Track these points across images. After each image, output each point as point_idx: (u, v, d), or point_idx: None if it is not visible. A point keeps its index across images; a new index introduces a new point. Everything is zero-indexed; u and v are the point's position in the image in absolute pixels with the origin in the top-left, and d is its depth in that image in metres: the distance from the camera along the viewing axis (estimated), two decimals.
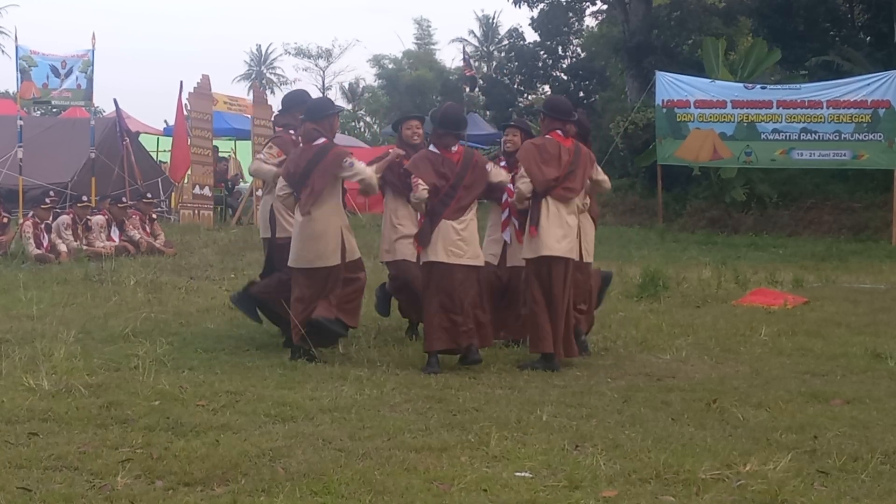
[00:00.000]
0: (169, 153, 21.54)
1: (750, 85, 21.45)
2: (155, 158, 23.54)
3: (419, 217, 7.38)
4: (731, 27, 27.84)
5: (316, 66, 66.23)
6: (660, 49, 26.31)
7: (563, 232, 7.34)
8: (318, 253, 7.23)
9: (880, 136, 20.01)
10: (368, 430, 5.37)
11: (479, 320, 7.29)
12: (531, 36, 37.33)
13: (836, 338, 8.82)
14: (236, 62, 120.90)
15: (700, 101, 21.32)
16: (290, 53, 67.33)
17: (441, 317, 7.15)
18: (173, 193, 20.91)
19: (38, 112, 29.80)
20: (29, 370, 6.45)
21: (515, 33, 40.16)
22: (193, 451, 4.82)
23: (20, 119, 17.61)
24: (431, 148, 7.44)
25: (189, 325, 8.63)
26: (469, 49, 50.52)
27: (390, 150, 8.21)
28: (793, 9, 25.94)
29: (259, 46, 75.39)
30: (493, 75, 38.96)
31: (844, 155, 20.46)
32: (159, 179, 20.81)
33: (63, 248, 13.32)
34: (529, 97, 37.72)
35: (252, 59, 75.24)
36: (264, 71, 74.09)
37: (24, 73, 18.02)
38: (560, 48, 37.38)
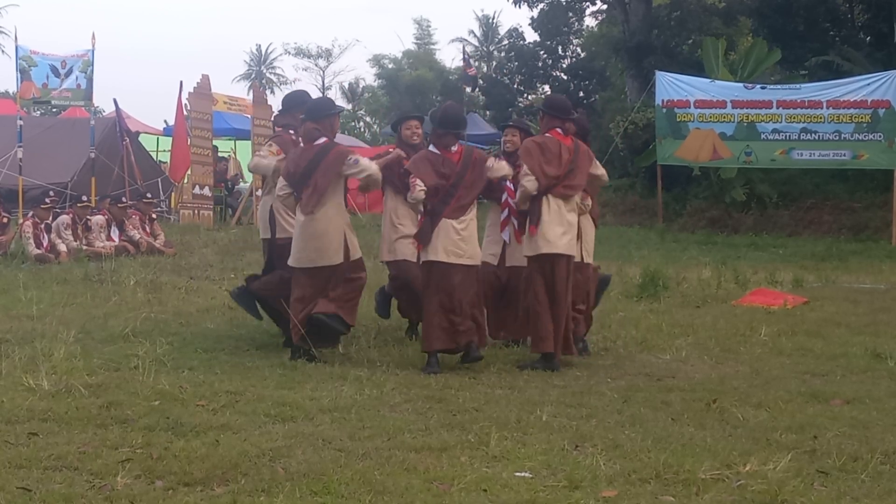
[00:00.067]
0: (169, 153, 21.54)
1: (750, 85, 21.46)
2: (155, 158, 23.55)
3: (419, 217, 7.38)
4: (731, 27, 27.85)
5: (316, 66, 66.31)
6: (660, 49, 26.32)
7: (563, 229, 7.36)
8: (321, 252, 7.24)
9: (880, 136, 20.02)
10: (368, 430, 5.36)
11: (476, 320, 7.30)
12: (531, 36, 37.42)
13: (836, 338, 8.82)
14: (236, 62, 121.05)
15: (700, 101, 21.33)
16: (290, 53, 67.43)
17: (440, 316, 7.15)
18: (173, 193, 20.91)
19: (38, 112, 29.80)
20: (29, 370, 6.45)
21: (515, 33, 40.22)
22: (193, 451, 4.82)
23: (20, 119, 17.61)
24: (431, 148, 7.44)
25: (189, 325, 8.63)
26: (469, 49, 50.54)
27: (390, 150, 8.22)
28: (793, 9, 25.95)
29: (259, 46, 75.53)
30: (493, 75, 38.99)
31: (844, 155, 20.47)
32: (159, 179, 20.82)
33: (63, 248, 13.32)
34: (529, 97, 37.75)
35: (252, 59, 75.32)
36: (264, 71, 74.10)
37: (24, 73, 18.03)
38: (560, 48, 37.43)
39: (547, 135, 7.48)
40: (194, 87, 19.41)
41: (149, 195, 16.80)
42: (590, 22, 37.11)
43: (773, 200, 22.38)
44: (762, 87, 21.30)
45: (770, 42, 23.85)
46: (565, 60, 37.78)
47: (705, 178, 23.17)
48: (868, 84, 20.20)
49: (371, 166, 7.31)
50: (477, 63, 49.27)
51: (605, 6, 32.89)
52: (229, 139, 26.46)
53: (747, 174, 22.17)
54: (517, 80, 37.43)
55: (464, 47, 45.16)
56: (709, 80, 21.96)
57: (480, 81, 36.67)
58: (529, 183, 7.32)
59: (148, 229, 14.83)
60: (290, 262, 7.37)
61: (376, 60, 54.49)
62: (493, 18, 56.99)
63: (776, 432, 5.50)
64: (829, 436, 5.44)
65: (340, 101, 54.38)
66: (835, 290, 12.37)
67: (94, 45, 18.20)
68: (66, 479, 4.45)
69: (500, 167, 7.56)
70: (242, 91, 61.85)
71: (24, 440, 5.02)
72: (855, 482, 4.66)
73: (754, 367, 7.52)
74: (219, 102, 21.68)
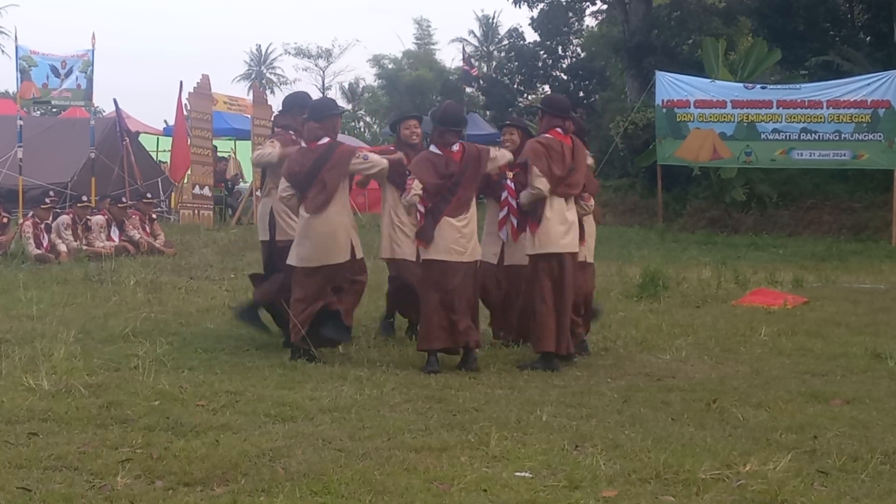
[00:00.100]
0: (169, 153, 21.54)
1: (750, 85, 21.46)
2: (155, 158, 23.55)
3: (418, 216, 7.35)
4: (731, 27, 27.85)
5: (316, 66, 66.30)
6: (660, 49, 26.32)
7: (565, 228, 7.40)
8: (328, 251, 7.26)
9: (880, 136, 20.02)
10: (368, 430, 5.36)
11: (474, 319, 7.31)
12: (531, 36, 37.39)
13: (836, 338, 8.82)
14: (236, 62, 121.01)
15: (700, 101, 21.34)
16: (290, 53, 67.41)
17: (440, 315, 7.15)
18: (173, 193, 20.92)
19: (38, 112, 29.80)
20: (29, 370, 6.45)
21: (515, 33, 40.17)
22: (193, 451, 4.82)
23: (20, 119, 17.62)
24: (433, 148, 7.42)
25: (189, 325, 8.63)
26: (469, 49, 50.53)
27: (391, 149, 8.23)
28: (793, 9, 25.95)
29: (259, 46, 75.52)
30: (493, 75, 38.96)
31: (844, 155, 20.47)
32: (159, 179, 20.82)
33: (63, 248, 13.32)
34: (529, 97, 37.72)
35: (252, 59, 75.33)
36: (264, 71, 74.10)
37: (24, 73, 18.03)
38: (560, 48, 37.40)
39: (549, 135, 7.48)
40: (194, 87, 19.41)
41: (149, 195, 16.80)
42: (590, 22, 37.16)
43: (773, 200, 22.38)
44: (762, 87, 21.31)
45: (770, 42, 23.85)
46: (565, 60, 37.76)
47: (705, 178, 23.18)
48: (868, 84, 20.20)
49: (382, 161, 7.46)
50: (477, 63, 49.27)
51: (605, 6, 32.92)
52: (229, 139, 26.46)
53: (747, 174, 22.17)
54: (517, 80, 37.41)
55: (464, 47, 45.17)
56: (709, 80, 21.96)
57: (480, 82, 36.69)
58: (542, 184, 7.32)
59: (148, 229, 14.83)
60: (292, 261, 7.35)
61: (376, 60, 54.51)
62: (493, 18, 57.03)
63: (776, 432, 5.50)
64: (829, 436, 5.44)
65: (340, 101, 54.30)
66: (835, 290, 12.37)
67: (94, 45, 18.21)
68: (66, 479, 4.45)
69: (502, 154, 7.59)
70: (242, 91, 61.94)
71: (24, 440, 5.01)
72: (855, 482, 4.66)
73: (754, 367, 7.52)
74: (219, 102, 21.68)
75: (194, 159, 19.37)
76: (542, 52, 36.87)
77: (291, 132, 7.91)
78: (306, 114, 7.60)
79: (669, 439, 5.31)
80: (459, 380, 6.79)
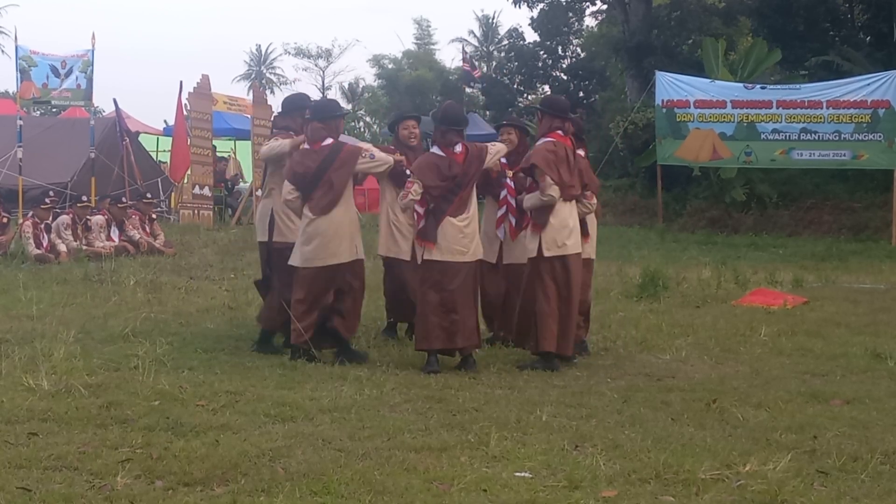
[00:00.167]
0: (169, 153, 21.54)
1: (750, 85, 21.46)
2: (155, 158, 23.54)
3: (416, 216, 7.34)
4: (731, 27, 27.84)
5: (316, 66, 66.30)
6: (660, 49, 26.31)
7: (569, 229, 7.41)
8: (332, 251, 7.27)
9: (880, 136, 20.01)
10: (368, 430, 5.37)
11: (473, 318, 7.31)
12: (531, 36, 37.42)
13: (836, 338, 8.82)
14: (236, 62, 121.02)
15: (700, 101, 21.33)
16: (289, 53, 67.41)
17: (440, 315, 7.14)
18: (173, 193, 20.92)
19: (38, 112, 29.80)
20: (29, 370, 6.45)
21: (515, 33, 40.21)
22: (193, 451, 4.82)
23: (20, 119, 17.61)
24: (435, 149, 7.39)
25: (189, 325, 8.63)
26: (469, 49, 50.49)
27: (390, 148, 8.23)
28: (793, 9, 25.94)
29: (259, 46, 75.54)
30: (493, 75, 38.97)
31: (844, 155, 20.46)
32: (159, 179, 20.82)
33: (63, 248, 13.32)
34: (529, 97, 37.73)
35: (252, 59, 75.34)
36: (264, 71, 74.10)
37: (23, 73, 18.03)
38: (560, 48, 37.42)
39: (552, 139, 7.45)
40: (194, 87, 19.41)
41: (149, 195, 16.80)
42: (590, 22, 37.18)
43: (773, 200, 22.37)
44: (762, 87, 21.29)
45: (770, 42, 23.84)
46: (565, 60, 37.78)
47: (705, 178, 23.17)
48: (868, 84, 20.19)
49: (388, 158, 7.53)
50: (477, 63, 49.28)
51: (605, 6, 32.90)
52: (229, 139, 26.45)
53: (747, 174, 22.16)
54: (517, 80, 37.43)
55: (463, 47, 45.14)
56: (709, 80, 21.95)
57: (483, 84, 36.69)
58: (555, 192, 7.31)
59: (148, 229, 14.83)
60: (295, 262, 7.35)
61: (376, 60, 54.53)
62: (493, 18, 57.03)
63: (776, 432, 5.50)
64: (829, 436, 5.44)
65: (340, 101, 54.27)
66: (835, 290, 12.37)
67: (94, 45, 18.21)
68: (66, 479, 4.45)
69: (498, 148, 7.62)
70: (242, 91, 61.95)
71: (24, 440, 5.02)
72: (855, 482, 4.67)
73: (754, 367, 7.51)
74: (219, 102, 21.67)
75: (194, 159, 19.37)
76: (541, 53, 36.89)
77: (291, 133, 7.91)
78: (309, 114, 7.61)
79: (669, 439, 5.31)
80: (459, 380, 6.79)
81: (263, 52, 74.85)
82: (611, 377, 7.08)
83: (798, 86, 21.27)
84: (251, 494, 4.32)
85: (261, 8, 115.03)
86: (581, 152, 7.78)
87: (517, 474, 4.67)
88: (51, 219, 13.64)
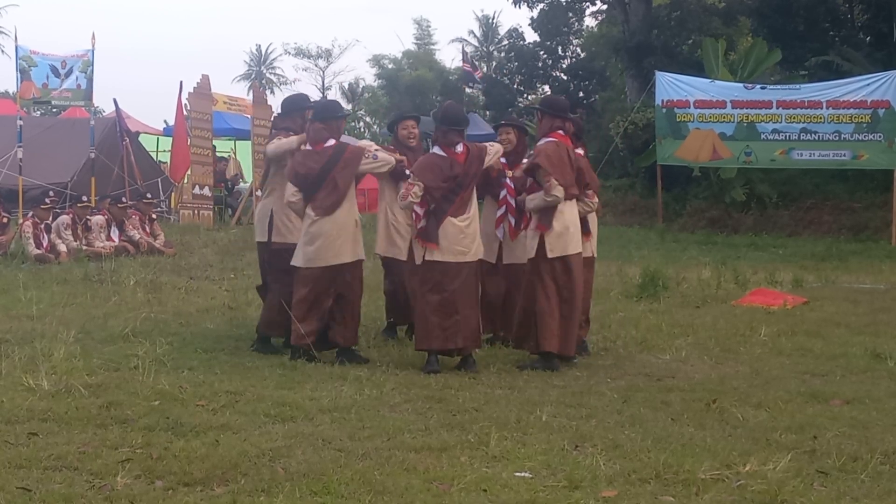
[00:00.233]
0: (169, 153, 21.54)
1: (750, 85, 21.46)
2: (155, 158, 23.54)
3: (414, 216, 7.33)
4: (731, 27, 27.84)
5: (316, 66, 66.28)
6: (660, 49, 26.31)
7: (572, 229, 7.42)
8: (335, 251, 7.29)
9: (880, 137, 20.01)
10: (368, 430, 5.37)
11: (476, 321, 7.31)
12: (531, 36, 37.41)
13: (836, 338, 8.82)
14: (236, 62, 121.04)
15: (700, 101, 21.33)
16: (289, 53, 67.40)
17: (440, 316, 7.13)
18: (173, 193, 20.91)
19: (38, 112, 29.78)
20: (29, 370, 6.45)
21: (515, 33, 40.20)
22: (193, 451, 4.82)
23: (20, 119, 17.60)
24: (436, 150, 7.38)
25: (189, 325, 8.64)
26: (469, 49, 50.51)
27: (390, 148, 8.23)
28: (793, 9, 25.94)
29: (259, 46, 75.51)
30: (493, 75, 38.97)
31: (844, 155, 20.46)
32: (159, 179, 20.81)
33: (63, 248, 13.32)
34: (529, 97, 37.74)
35: (252, 59, 75.32)
36: (264, 71, 74.08)
37: (23, 73, 18.02)
38: (560, 48, 37.42)
39: (554, 139, 7.44)
40: (194, 87, 19.41)
41: (149, 195, 16.80)
42: (590, 22, 37.17)
43: (773, 200, 22.37)
44: (762, 88, 21.30)
45: (770, 42, 23.84)
46: (565, 60, 37.77)
47: (705, 178, 23.17)
48: (868, 84, 20.19)
49: (390, 158, 7.57)
50: (477, 63, 49.28)
51: (605, 6, 32.89)
52: (229, 139, 26.45)
53: (747, 174, 22.16)
54: (517, 80, 37.43)
55: (463, 47, 45.15)
56: (709, 81, 21.95)
57: (483, 85, 36.69)
58: (560, 192, 7.31)
59: (148, 229, 14.83)
60: (298, 262, 7.35)
61: (376, 60, 54.52)
62: (493, 18, 57.02)
63: (776, 432, 5.50)
64: (829, 436, 5.44)
65: (340, 101, 54.30)
66: (835, 290, 12.37)
67: (94, 45, 18.20)
68: (66, 479, 4.45)
69: (497, 149, 7.62)
70: (242, 91, 61.95)
71: (24, 440, 5.02)
72: (855, 482, 4.67)
73: (754, 367, 7.51)
74: (219, 102, 21.68)
75: (194, 159, 19.37)
76: (541, 53, 36.88)
77: (291, 134, 7.90)
78: (311, 114, 7.61)
79: (669, 439, 5.31)
80: (459, 380, 6.79)
81: (263, 52, 74.89)
82: (611, 377, 7.08)
83: (798, 86, 21.27)
84: (251, 494, 4.32)
85: (261, 8, 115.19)
86: (580, 151, 7.78)
87: (517, 474, 4.67)
88: (51, 219, 13.64)
